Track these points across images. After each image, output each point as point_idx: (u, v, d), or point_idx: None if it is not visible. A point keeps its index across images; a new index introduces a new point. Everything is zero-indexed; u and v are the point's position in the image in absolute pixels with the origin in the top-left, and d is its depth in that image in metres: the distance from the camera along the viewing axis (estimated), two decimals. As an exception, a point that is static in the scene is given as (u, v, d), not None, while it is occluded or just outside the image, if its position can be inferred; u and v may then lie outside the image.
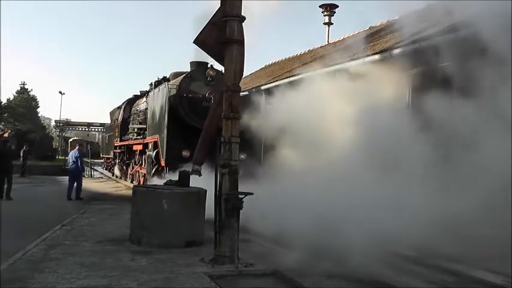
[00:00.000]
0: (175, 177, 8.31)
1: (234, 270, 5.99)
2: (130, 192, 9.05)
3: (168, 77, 15.83)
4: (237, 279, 5.85)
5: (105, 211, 11.50)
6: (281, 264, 6.32)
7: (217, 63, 7.81)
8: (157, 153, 14.14)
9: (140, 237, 7.37)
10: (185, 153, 12.73)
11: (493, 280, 5.97)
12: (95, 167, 30.99)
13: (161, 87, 14.62)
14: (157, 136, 14.37)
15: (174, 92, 13.58)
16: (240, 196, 6.31)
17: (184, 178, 7.85)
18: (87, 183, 18.47)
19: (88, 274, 5.53)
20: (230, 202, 6.27)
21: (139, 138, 17.50)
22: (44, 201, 14.30)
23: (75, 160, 14.81)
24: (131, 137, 19.11)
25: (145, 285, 5.20)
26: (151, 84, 17.17)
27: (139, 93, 20.22)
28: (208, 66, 13.49)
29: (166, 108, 13.57)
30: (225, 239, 6.30)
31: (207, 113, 12.48)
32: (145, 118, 16.75)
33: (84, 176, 16.45)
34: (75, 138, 62.28)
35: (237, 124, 6.53)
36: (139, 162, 17.65)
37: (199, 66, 13.89)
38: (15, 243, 7.11)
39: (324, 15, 21.24)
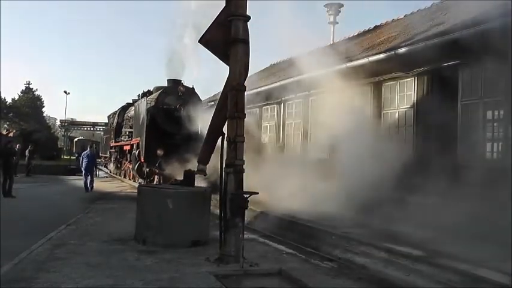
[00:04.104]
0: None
1: (239, 270, 5.98)
2: (135, 191, 9.06)
3: (152, 90, 19.35)
4: (242, 279, 5.84)
5: (110, 210, 11.52)
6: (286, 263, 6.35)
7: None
8: (139, 152, 17.43)
9: (145, 236, 7.36)
10: (159, 152, 15.51)
11: (499, 279, 5.94)
12: (99, 167, 31.07)
13: (142, 99, 18.18)
14: (139, 138, 17.68)
15: (153, 103, 17.06)
16: (245, 196, 6.30)
17: (189, 178, 7.84)
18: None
19: (93, 274, 5.52)
20: (235, 202, 6.25)
21: (129, 140, 20.75)
22: (49, 200, 14.37)
23: (88, 159, 17.72)
24: (123, 139, 22.48)
25: (150, 284, 5.19)
26: (138, 95, 20.82)
27: (131, 101, 23.26)
28: (181, 83, 17.31)
29: (146, 117, 16.92)
30: (230, 238, 6.28)
31: (178, 121, 16.21)
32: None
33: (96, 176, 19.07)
34: (80, 138, 62.49)
35: (242, 123, 6.50)
36: (128, 159, 21.05)
37: (173, 83, 17.48)
38: (20, 243, 7.14)
39: (329, 14, 21.23)
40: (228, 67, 6.67)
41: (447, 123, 9.37)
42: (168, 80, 17.76)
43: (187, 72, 18.05)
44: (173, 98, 16.91)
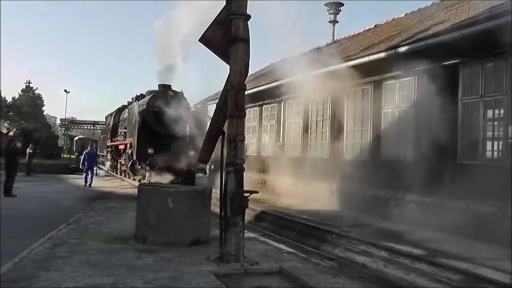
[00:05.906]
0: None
1: (239, 269, 5.98)
2: (135, 190, 9.06)
3: (144, 93, 20.46)
4: (242, 278, 5.83)
5: (110, 209, 11.50)
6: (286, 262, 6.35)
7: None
8: (132, 151, 18.91)
9: (146, 235, 7.36)
10: (150, 151, 17.09)
11: (500, 279, 5.94)
12: (99, 165, 31.18)
13: (135, 103, 19.71)
14: (132, 138, 19.13)
15: (145, 106, 18.41)
16: (246, 194, 6.30)
17: (189, 177, 7.84)
18: (93, 182, 19.48)
19: (94, 272, 5.52)
20: (235, 200, 6.25)
21: (123, 140, 22.12)
22: (49, 199, 14.34)
23: (89, 157, 19.55)
24: (119, 138, 23.93)
25: (151, 283, 5.19)
26: (132, 98, 21.79)
27: (127, 104, 24.47)
28: (170, 88, 18.57)
29: (138, 119, 18.30)
30: (230, 237, 6.27)
31: (167, 122, 16.63)
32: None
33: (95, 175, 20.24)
34: (80, 136, 62.46)
35: (242, 122, 6.50)
36: (123, 158, 22.28)
37: (163, 87, 18.73)
38: (20, 242, 7.13)
39: (330, 13, 21.21)
40: (228, 66, 6.67)
41: (447, 122, 9.36)
42: (159, 84, 19.10)
43: (177, 76, 19.03)
44: (163, 101, 18.21)
